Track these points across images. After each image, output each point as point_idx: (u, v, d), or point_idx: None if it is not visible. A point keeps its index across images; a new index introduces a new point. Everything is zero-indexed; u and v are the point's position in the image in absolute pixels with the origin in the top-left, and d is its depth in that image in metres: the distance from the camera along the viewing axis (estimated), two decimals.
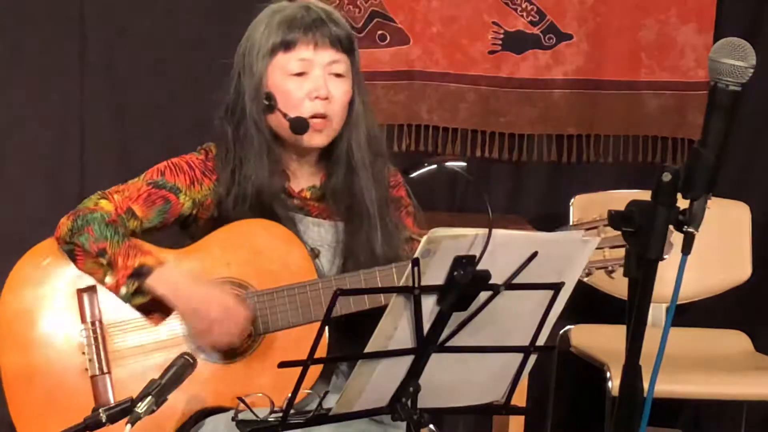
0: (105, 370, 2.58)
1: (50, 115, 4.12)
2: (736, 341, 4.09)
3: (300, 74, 2.60)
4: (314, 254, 2.62)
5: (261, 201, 2.61)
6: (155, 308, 2.58)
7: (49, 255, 2.63)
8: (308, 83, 2.60)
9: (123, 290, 2.53)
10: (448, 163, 2.35)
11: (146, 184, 2.63)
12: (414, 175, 2.41)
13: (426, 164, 2.35)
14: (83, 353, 2.59)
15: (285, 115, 2.59)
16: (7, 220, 4.04)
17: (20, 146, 4.10)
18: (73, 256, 2.58)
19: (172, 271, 2.54)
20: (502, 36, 4.26)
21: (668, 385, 3.60)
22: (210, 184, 2.65)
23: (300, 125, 2.59)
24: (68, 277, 2.61)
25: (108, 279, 2.54)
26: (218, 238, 2.61)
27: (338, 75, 2.62)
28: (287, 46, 2.60)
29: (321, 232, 2.66)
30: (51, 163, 4.14)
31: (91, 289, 2.61)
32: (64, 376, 2.58)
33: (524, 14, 4.26)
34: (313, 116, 2.59)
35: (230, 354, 2.56)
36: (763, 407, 4.23)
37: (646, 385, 2.02)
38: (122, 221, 2.59)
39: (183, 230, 2.72)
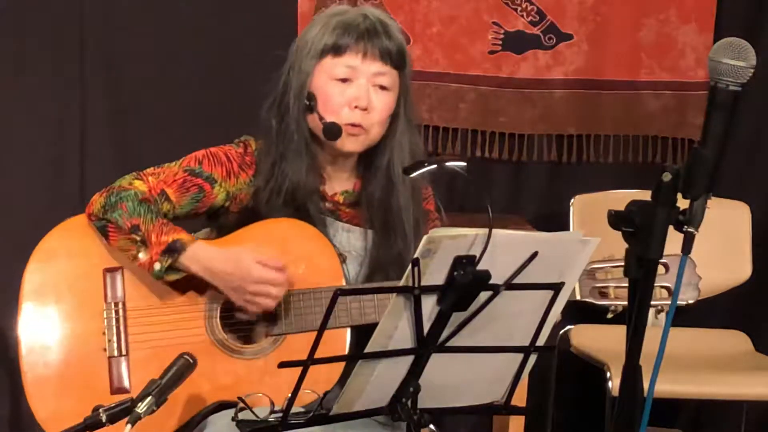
0: (123, 352, 2.57)
1: (50, 115, 4.11)
2: (736, 341, 4.09)
3: (344, 80, 2.61)
4: (341, 259, 2.62)
5: (295, 198, 2.62)
6: (187, 286, 2.57)
7: (79, 232, 2.62)
8: (351, 91, 2.60)
9: (157, 266, 2.52)
10: (448, 163, 2.34)
11: (183, 170, 2.63)
12: (414, 175, 2.41)
13: (426, 164, 2.35)
14: (103, 334, 2.58)
15: (321, 118, 2.60)
16: (7, 220, 4.04)
17: (20, 146, 4.10)
18: (105, 232, 2.58)
19: (207, 248, 2.54)
20: (502, 36, 4.26)
21: (668, 385, 3.60)
22: (246, 179, 2.65)
23: (333, 131, 2.59)
24: (96, 255, 2.61)
25: (141, 255, 2.54)
26: (250, 233, 2.61)
27: (383, 87, 2.62)
28: (337, 50, 2.60)
29: (350, 238, 2.67)
30: (51, 163, 4.13)
31: (117, 270, 2.61)
32: (82, 354, 2.58)
33: (524, 14, 4.26)
34: (350, 124, 2.60)
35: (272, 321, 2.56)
36: (763, 407, 4.22)
37: (646, 385, 2.02)
38: (156, 202, 2.59)
39: (210, 221, 2.72)
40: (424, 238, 1.98)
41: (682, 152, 4.31)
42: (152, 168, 2.65)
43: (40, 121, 4.11)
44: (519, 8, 4.25)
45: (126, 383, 2.55)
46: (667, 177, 1.98)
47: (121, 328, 2.58)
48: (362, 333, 2.49)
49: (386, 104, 2.63)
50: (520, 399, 3.00)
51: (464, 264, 2.00)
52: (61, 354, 2.58)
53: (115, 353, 2.57)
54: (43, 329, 2.59)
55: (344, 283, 2.56)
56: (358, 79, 2.60)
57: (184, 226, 2.64)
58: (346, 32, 2.60)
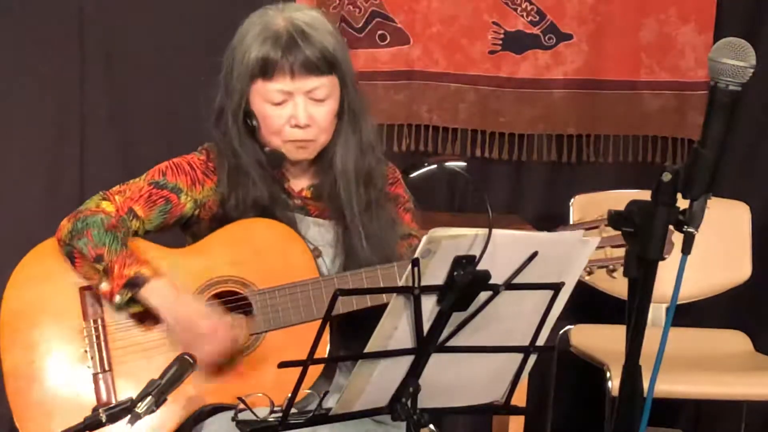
0: (107, 368, 2.58)
1: (50, 115, 4.12)
2: (736, 341, 4.09)
3: (281, 103, 2.59)
4: (316, 254, 2.62)
5: (261, 204, 2.62)
6: (147, 317, 2.58)
7: (52, 255, 2.63)
8: (288, 110, 2.58)
9: (117, 298, 2.53)
10: (448, 163, 2.35)
11: (148, 184, 2.64)
12: (414, 175, 2.42)
13: (426, 164, 2.36)
14: (85, 351, 2.59)
15: (263, 147, 2.61)
16: (7, 220, 4.04)
17: (20, 146, 4.10)
18: (71, 259, 2.59)
19: (166, 284, 2.54)
20: (502, 36, 4.26)
21: (668, 385, 3.60)
22: (211, 185, 2.66)
23: (275, 160, 2.61)
24: (71, 275, 2.61)
25: (103, 285, 2.54)
26: (220, 237, 2.62)
27: (320, 100, 2.59)
28: (265, 74, 2.57)
29: (321, 231, 2.67)
30: (51, 163, 4.14)
31: (93, 289, 2.60)
32: (67, 374, 2.59)
33: (524, 14, 4.26)
34: (293, 141, 2.60)
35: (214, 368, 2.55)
36: (763, 407, 4.23)
37: (646, 385, 2.02)
38: (123, 223, 2.59)
39: (184, 231, 2.73)
40: (424, 238, 1.98)
41: (682, 152, 4.31)
42: (118, 186, 2.65)
43: (40, 121, 4.11)
44: (519, 8, 4.25)
45: (113, 398, 2.56)
46: (667, 177, 1.98)
47: (102, 344, 2.59)
48: (342, 326, 2.50)
49: (326, 113, 2.60)
50: (520, 399, 3.00)
51: (464, 264, 2.00)
52: (45, 377, 2.59)
53: (99, 369, 2.58)
54: (25, 355, 2.60)
55: (319, 277, 2.56)
56: (294, 97, 2.58)
57: (163, 239, 2.65)
58: (273, 48, 2.54)
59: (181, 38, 4.12)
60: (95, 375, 2.58)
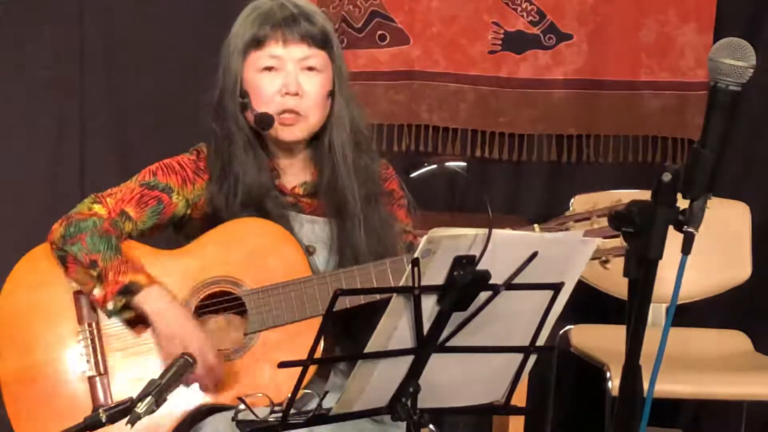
0: (102, 371, 2.58)
1: (50, 115, 4.12)
2: (736, 341, 4.09)
3: (271, 69, 2.61)
4: (309, 252, 2.62)
5: (252, 198, 2.62)
6: (141, 321, 2.58)
7: (45, 260, 2.63)
8: (280, 79, 2.61)
9: (110, 305, 2.53)
10: (448, 163, 2.34)
11: (139, 185, 2.65)
12: (414, 175, 2.40)
13: (426, 164, 2.34)
14: (81, 355, 2.59)
15: (252, 111, 2.61)
16: (7, 221, 4.04)
17: (20, 146, 4.11)
18: (64, 263, 2.59)
19: (161, 292, 2.54)
20: (502, 36, 4.26)
21: (668, 385, 3.60)
22: (202, 183, 2.66)
23: (264, 121, 2.60)
24: (65, 279, 2.61)
25: (96, 291, 2.54)
26: (212, 237, 2.62)
27: (311, 68, 2.62)
28: (258, 43, 2.61)
29: (315, 229, 2.67)
30: (51, 163, 4.14)
31: None
32: (63, 378, 2.59)
33: (524, 14, 4.26)
34: (283, 112, 2.60)
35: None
36: (763, 407, 4.22)
37: (646, 385, 2.02)
38: (116, 225, 2.59)
39: (177, 232, 2.73)
40: (424, 238, 1.98)
41: (682, 152, 4.32)
42: (110, 189, 2.66)
43: (40, 121, 4.11)
44: (519, 8, 4.25)
45: (109, 400, 2.56)
46: (667, 177, 1.98)
47: (98, 347, 2.59)
48: (338, 324, 2.50)
49: (319, 85, 2.62)
50: (520, 399, 3.01)
51: (464, 264, 2.00)
52: (42, 381, 2.59)
53: (95, 372, 2.58)
54: (21, 360, 2.60)
55: (312, 275, 2.56)
56: (286, 65, 2.61)
57: (156, 241, 2.65)
58: (264, 23, 2.61)
59: (181, 38, 4.13)
60: (92, 378, 2.58)
